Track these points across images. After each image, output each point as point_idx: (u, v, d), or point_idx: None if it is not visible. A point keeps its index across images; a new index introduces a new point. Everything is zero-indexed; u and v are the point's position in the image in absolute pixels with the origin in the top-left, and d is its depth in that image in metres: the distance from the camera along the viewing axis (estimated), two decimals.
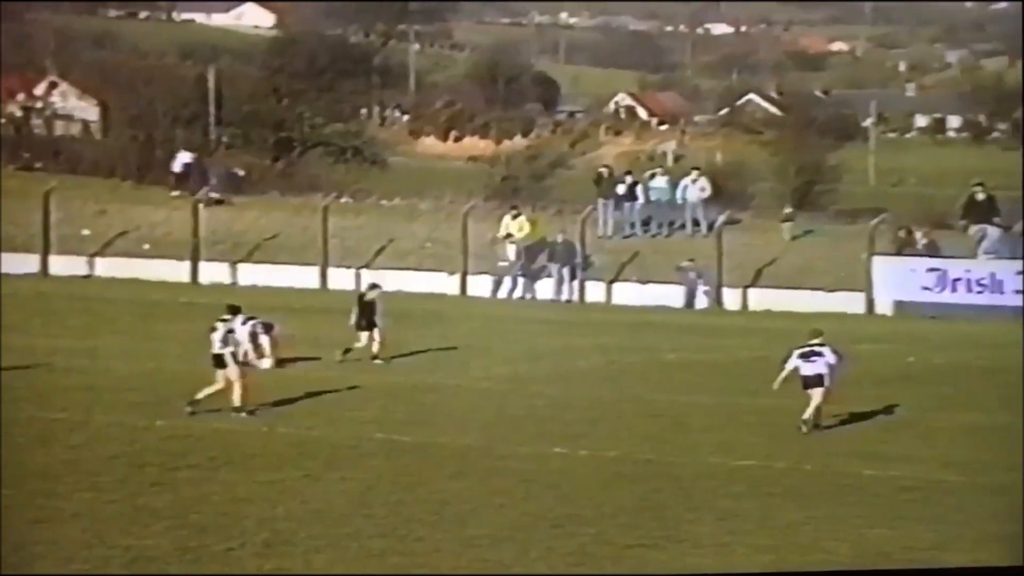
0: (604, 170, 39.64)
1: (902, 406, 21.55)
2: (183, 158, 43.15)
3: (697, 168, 39.75)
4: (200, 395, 20.39)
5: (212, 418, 20.27)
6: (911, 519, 15.60)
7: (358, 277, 36.60)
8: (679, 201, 36.79)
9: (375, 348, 24.37)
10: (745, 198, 47.64)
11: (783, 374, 20.53)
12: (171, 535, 14.78)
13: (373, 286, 25.73)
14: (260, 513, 15.63)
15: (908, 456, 18.48)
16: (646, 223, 36.68)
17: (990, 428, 20.29)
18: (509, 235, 35.62)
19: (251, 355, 20.94)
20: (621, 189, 36.88)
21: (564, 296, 35.00)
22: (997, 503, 16.27)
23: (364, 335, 24.41)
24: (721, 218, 35.99)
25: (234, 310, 20.98)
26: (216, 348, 20.34)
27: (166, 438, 19.20)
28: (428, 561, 14.13)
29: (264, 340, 22.42)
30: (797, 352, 20.52)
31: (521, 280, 35.27)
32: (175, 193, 40.99)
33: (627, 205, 36.74)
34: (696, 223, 36.28)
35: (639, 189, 37.05)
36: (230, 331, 20.47)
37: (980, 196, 33.76)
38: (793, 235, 36.14)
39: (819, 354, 20.26)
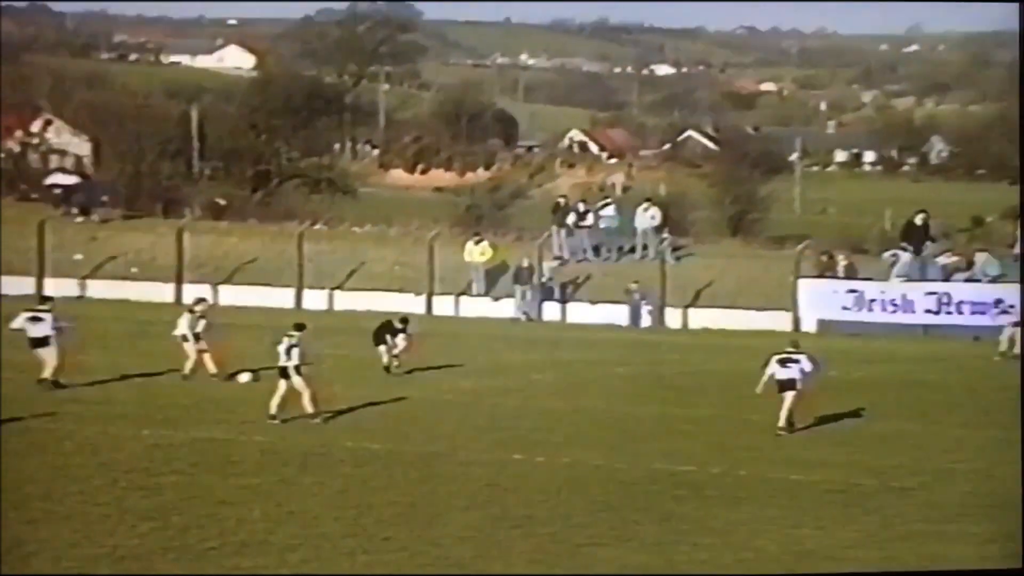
0: (561, 199, 39.81)
1: (824, 416, 21.54)
2: (59, 179, 42.99)
3: (648, 199, 39.91)
4: (273, 408, 20.67)
5: (193, 427, 20.19)
6: (832, 520, 15.67)
7: (331, 298, 36.66)
8: (634, 227, 36.82)
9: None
10: (686, 225, 47.81)
11: (764, 378, 20.80)
12: (155, 535, 14.72)
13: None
14: (238, 515, 15.55)
15: (829, 462, 18.53)
16: (597, 248, 36.74)
17: (901, 436, 20.43)
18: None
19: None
20: (574, 218, 36.93)
21: (532, 314, 34.95)
22: (906, 504, 16.40)
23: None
24: (665, 244, 36.19)
25: (300, 327, 21.28)
26: (281, 361, 20.63)
27: (151, 446, 19.08)
28: (395, 559, 14.08)
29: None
30: (776, 359, 20.85)
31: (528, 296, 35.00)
32: (59, 212, 40.35)
33: (580, 232, 36.80)
34: (645, 248, 36.35)
35: (591, 217, 37.12)
36: (293, 345, 20.69)
37: (919, 221, 33.91)
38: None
39: (796, 361, 20.64)
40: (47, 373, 23.03)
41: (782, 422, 20.49)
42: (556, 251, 36.54)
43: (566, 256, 36.45)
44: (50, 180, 40.32)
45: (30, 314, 23.58)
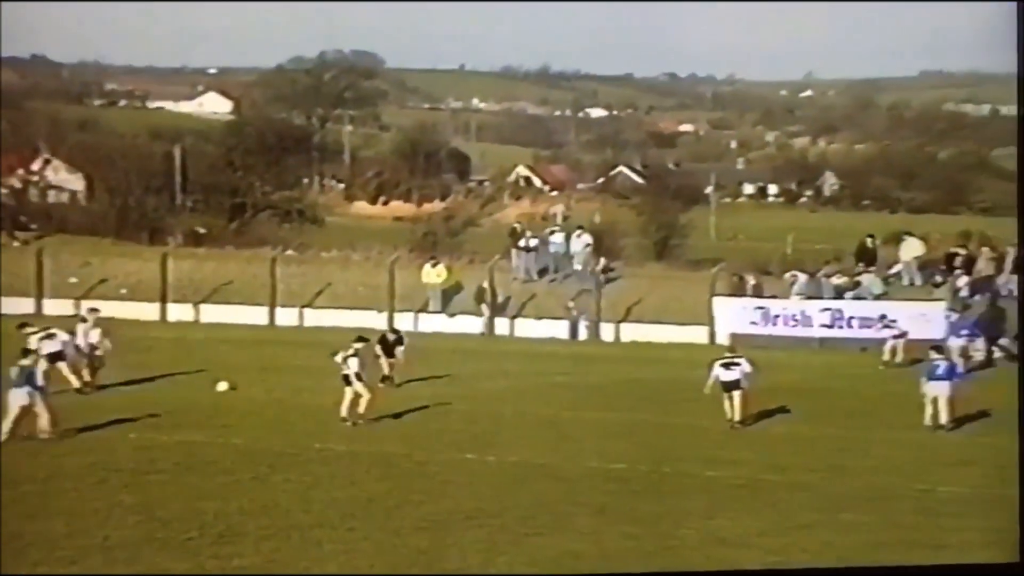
0: (518, 225, 39.93)
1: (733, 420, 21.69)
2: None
3: (581, 226, 40.13)
4: (344, 411, 20.87)
5: (176, 431, 20.05)
6: (742, 511, 15.74)
7: (301, 315, 36.51)
8: (570, 253, 36.96)
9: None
10: (617, 250, 48.00)
11: (710, 380, 21.16)
12: (141, 528, 14.59)
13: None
14: (216, 509, 15.42)
15: (739, 460, 18.59)
16: (543, 271, 36.82)
17: (799, 437, 20.53)
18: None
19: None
20: (524, 243, 37.06)
21: (491, 329, 34.97)
22: (804, 497, 16.48)
23: None
24: (599, 267, 36.34)
25: (361, 339, 21.69)
26: (344, 370, 20.99)
27: (137, 448, 18.91)
28: (358, 548, 14.01)
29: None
30: (719, 363, 21.23)
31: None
32: None
33: (528, 256, 36.89)
34: (580, 269, 36.46)
35: (538, 243, 37.22)
36: (354, 355, 21.07)
37: (869, 244, 34.18)
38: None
39: (737, 364, 21.06)
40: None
41: (737, 416, 20.94)
42: (514, 272, 36.61)
43: (521, 276, 36.54)
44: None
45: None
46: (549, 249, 37.15)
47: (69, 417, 20.87)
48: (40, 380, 19.27)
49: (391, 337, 25.29)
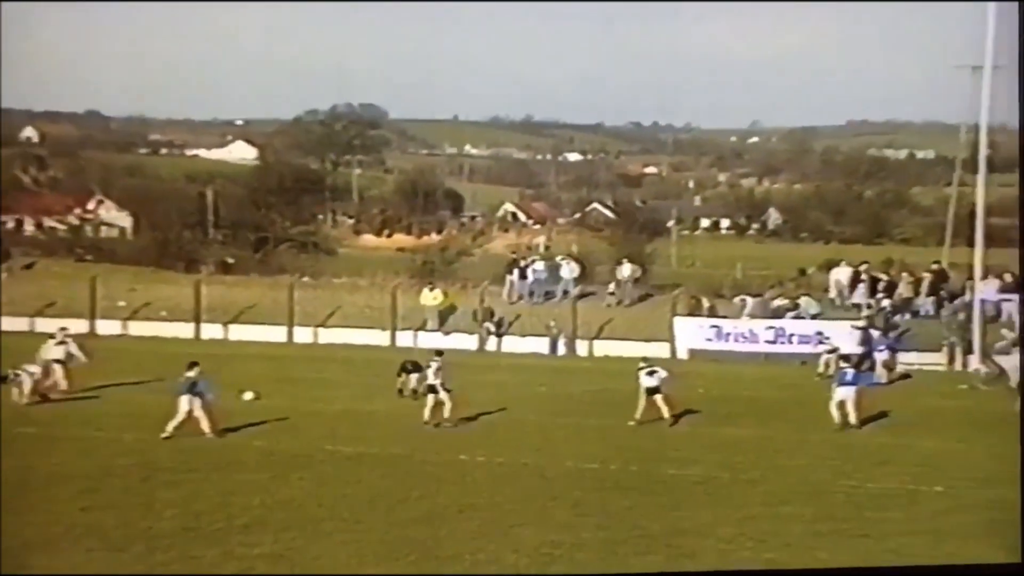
0: (513, 255, 39.78)
1: (693, 423, 21.71)
2: None
3: (569, 255, 40.11)
4: (426, 416, 20.97)
5: (207, 435, 19.95)
6: (698, 505, 15.72)
7: (315, 334, 36.41)
8: (560, 277, 36.82)
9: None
10: (592, 276, 47.95)
11: (641, 388, 21.34)
12: (178, 519, 14.60)
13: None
14: (241, 503, 15.39)
15: (696, 460, 18.57)
16: (530, 294, 36.74)
17: (746, 439, 20.44)
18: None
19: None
20: (516, 270, 37.03)
21: (491, 346, 34.81)
22: (750, 492, 16.45)
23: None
24: (575, 291, 36.33)
25: (439, 353, 21.91)
26: (430, 379, 21.29)
27: (174, 450, 18.81)
28: (364, 538, 13.96)
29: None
30: (643, 372, 21.48)
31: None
32: None
33: (517, 282, 36.84)
34: (566, 292, 36.33)
35: (528, 270, 37.14)
36: (439, 368, 21.31)
37: (939, 272, 32.78)
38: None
39: (656, 372, 21.41)
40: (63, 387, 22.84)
41: (666, 414, 21.11)
42: (507, 295, 36.50)
43: (515, 299, 36.45)
44: None
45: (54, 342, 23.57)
46: (535, 276, 37.09)
47: (121, 424, 20.88)
48: (202, 389, 19.82)
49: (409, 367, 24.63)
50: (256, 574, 12.70)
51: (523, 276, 36.78)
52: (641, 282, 37.91)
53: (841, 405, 21.14)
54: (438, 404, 21.12)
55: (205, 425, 19.63)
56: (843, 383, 21.38)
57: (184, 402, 19.68)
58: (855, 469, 17.87)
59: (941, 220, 35.69)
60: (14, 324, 28.83)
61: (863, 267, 33.75)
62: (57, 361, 23.41)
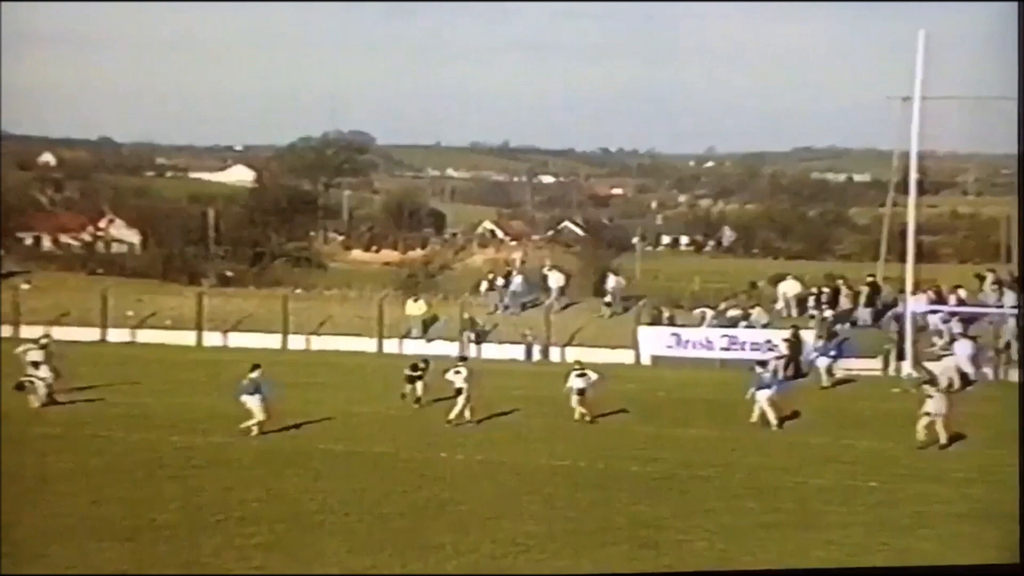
0: (491, 274, 39.59)
1: (655, 423, 21.73)
2: None
3: (555, 266, 40.02)
4: (452, 415, 21.04)
5: (208, 434, 19.85)
6: (658, 499, 15.76)
7: (308, 341, 36.24)
8: (535, 288, 36.70)
9: None
10: (564, 288, 47.89)
11: (572, 391, 21.79)
12: (180, 512, 14.59)
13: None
14: (239, 496, 15.37)
15: (656, 458, 18.55)
16: (505, 307, 36.68)
17: (703, 439, 20.50)
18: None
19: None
20: (498, 283, 36.94)
21: (472, 352, 34.64)
22: (705, 488, 16.48)
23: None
24: (563, 299, 36.29)
25: (463, 359, 22.16)
26: (577, 385, 21.59)
27: (179, 448, 18.76)
28: (353, 529, 13.97)
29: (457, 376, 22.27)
30: (575, 374, 21.92)
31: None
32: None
33: (497, 294, 36.77)
34: (552, 303, 36.15)
35: (509, 283, 37.02)
36: (457, 371, 21.45)
37: (874, 285, 32.06)
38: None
39: (585, 375, 21.82)
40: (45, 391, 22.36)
41: (585, 411, 21.55)
42: (491, 306, 36.39)
43: (493, 309, 36.37)
44: None
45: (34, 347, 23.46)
46: (510, 288, 37.04)
47: (129, 424, 20.75)
48: (264, 389, 20.02)
49: (421, 366, 24.06)
50: (253, 564, 12.62)
51: (505, 287, 36.71)
52: (625, 292, 37.84)
53: (761, 408, 21.36)
54: (464, 405, 21.18)
55: (258, 419, 19.70)
56: (761, 386, 21.63)
57: (250, 401, 19.85)
58: (800, 466, 17.98)
59: (876, 238, 35.82)
60: (33, 332, 28.64)
61: (808, 280, 33.81)
62: (35, 363, 23.14)
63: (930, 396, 19.36)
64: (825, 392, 26.26)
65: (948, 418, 19.29)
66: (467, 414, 21.21)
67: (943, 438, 19.23)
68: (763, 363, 23.37)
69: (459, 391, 21.39)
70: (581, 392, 21.69)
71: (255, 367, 20.18)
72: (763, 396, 21.47)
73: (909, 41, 27.82)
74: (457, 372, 21.71)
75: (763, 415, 21.34)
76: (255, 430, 19.60)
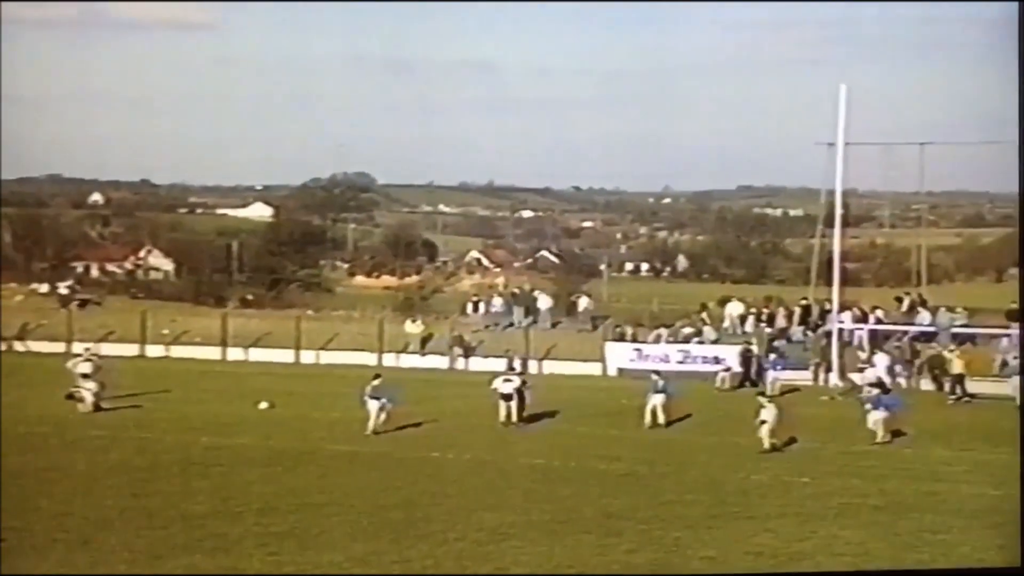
0: (475, 297, 39.64)
1: (619, 428, 21.71)
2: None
3: (542, 289, 40.05)
4: (502, 417, 21.05)
5: (232, 436, 19.79)
6: (623, 494, 15.68)
7: (317, 356, 36.18)
8: (514, 309, 36.58)
9: None
10: (552, 308, 47.59)
11: (498, 395, 21.48)
12: (207, 504, 14.52)
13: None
14: (257, 490, 15.36)
15: (622, 457, 18.51)
16: (492, 325, 36.63)
17: (662, 441, 20.48)
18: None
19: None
20: (482, 306, 36.97)
21: (459, 365, 34.59)
22: (665, 484, 16.45)
23: None
24: (528, 321, 36.26)
25: (512, 369, 22.10)
26: (504, 390, 21.24)
27: (206, 448, 18.67)
28: (356, 520, 13.91)
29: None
30: (501, 379, 21.85)
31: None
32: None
33: (475, 315, 36.76)
34: (539, 321, 36.09)
35: (489, 305, 37.04)
36: (507, 379, 21.44)
37: (806, 307, 32.30)
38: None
39: (511, 380, 21.82)
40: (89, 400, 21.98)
41: (515, 418, 21.23)
42: (477, 325, 36.36)
43: (478, 328, 36.29)
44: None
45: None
46: (493, 310, 37.05)
47: (165, 427, 20.65)
48: (389, 395, 20.19)
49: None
50: (270, 550, 12.57)
51: (487, 310, 36.79)
52: (591, 311, 37.93)
53: (653, 410, 21.54)
54: (509, 410, 21.13)
55: (380, 422, 19.79)
56: (656, 391, 21.79)
57: (373, 405, 19.94)
58: (743, 464, 18.03)
59: (807, 265, 36.23)
60: (81, 349, 28.66)
61: (750, 302, 34.02)
62: (84, 375, 22.98)
63: (764, 407, 19.41)
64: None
65: (779, 425, 19.23)
66: (513, 417, 21.19)
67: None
68: (656, 372, 23.31)
69: (506, 397, 21.31)
70: (508, 398, 21.51)
71: (376, 376, 20.42)
72: (658, 400, 21.57)
73: (833, 94, 28.44)
74: (507, 380, 21.75)
75: (654, 416, 21.51)
76: (371, 430, 19.57)
